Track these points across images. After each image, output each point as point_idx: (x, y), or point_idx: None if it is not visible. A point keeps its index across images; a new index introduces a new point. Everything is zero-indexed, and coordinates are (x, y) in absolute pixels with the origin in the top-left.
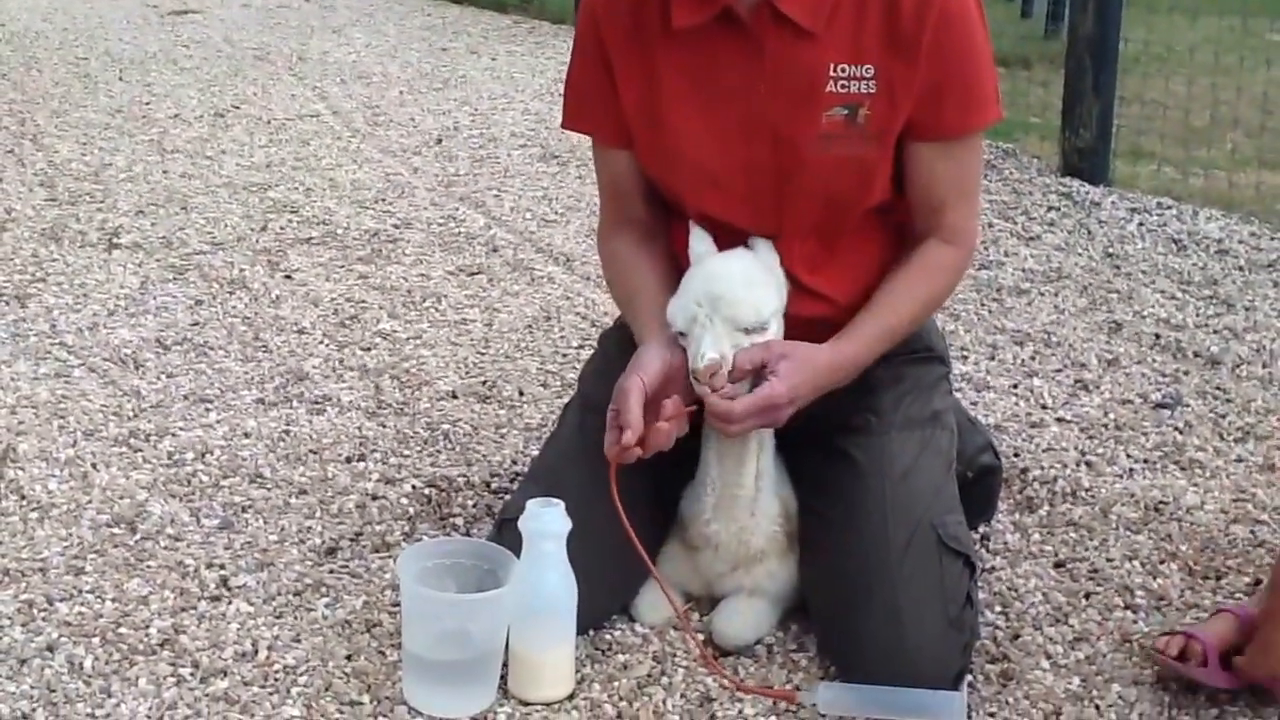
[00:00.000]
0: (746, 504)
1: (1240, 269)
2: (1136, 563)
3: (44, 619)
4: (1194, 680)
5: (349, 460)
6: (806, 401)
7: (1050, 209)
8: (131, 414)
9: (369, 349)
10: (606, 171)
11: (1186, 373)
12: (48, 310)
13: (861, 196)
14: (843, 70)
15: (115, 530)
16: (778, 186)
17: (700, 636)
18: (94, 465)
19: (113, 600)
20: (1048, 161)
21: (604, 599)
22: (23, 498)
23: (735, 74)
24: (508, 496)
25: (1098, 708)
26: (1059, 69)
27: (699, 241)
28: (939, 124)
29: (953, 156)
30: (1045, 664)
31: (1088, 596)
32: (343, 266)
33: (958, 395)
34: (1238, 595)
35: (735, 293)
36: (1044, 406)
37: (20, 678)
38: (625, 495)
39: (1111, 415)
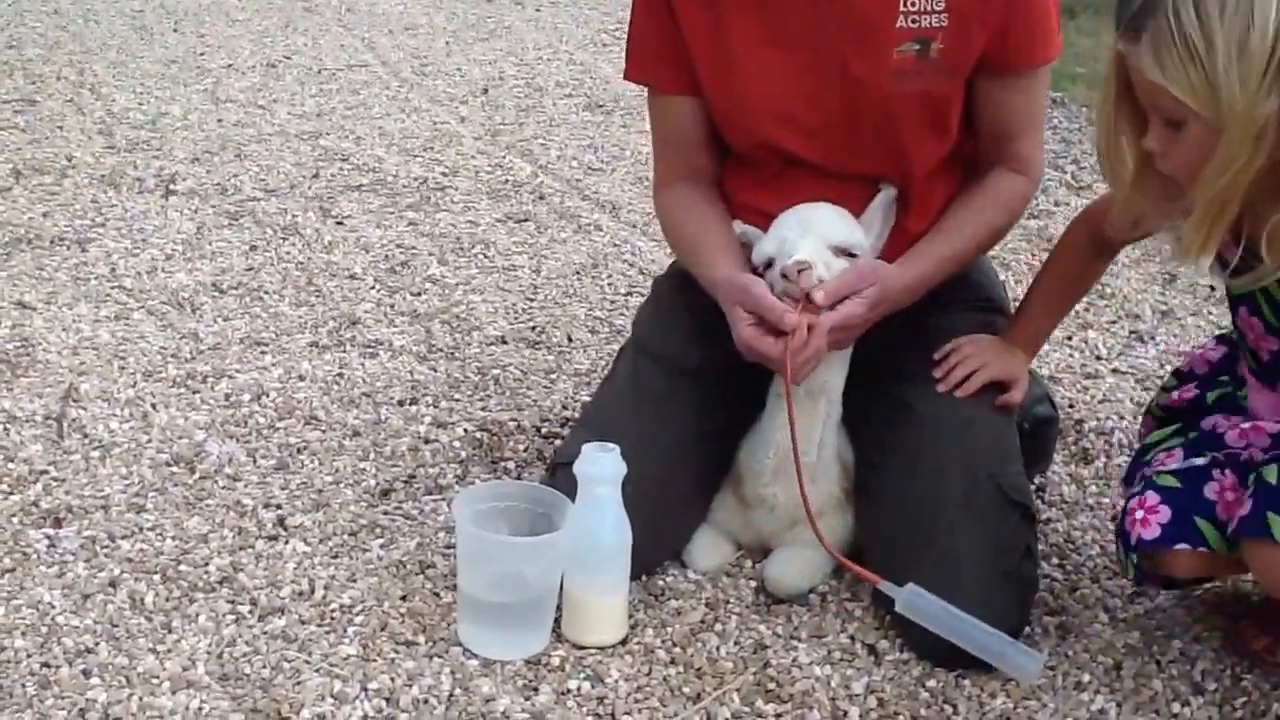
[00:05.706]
0: (808, 471)
1: None
2: None
3: (106, 555)
4: None
5: (401, 404)
6: (877, 319)
7: None
8: (189, 356)
9: (419, 294)
10: (667, 121)
11: None
12: (107, 254)
13: (934, 134)
14: (912, 4)
15: (175, 469)
16: (850, 124)
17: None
18: (154, 406)
19: (173, 538)
20: None
21: (658, 545)
22: (85, 436)
23: (803, 12)
24: (559, 441)
25: (1158, 663)
26: (1105, 16)
27: (741, 231)
28: (1014, 57)
29: (1024, 89)
30: (1104, 617)
31: None
32: (392, 213)
33: None
34: None
35: (827, 215)
36: (1099, 358)
37: (84, 612)
38: (675, 438)
39: (1167, 367)
